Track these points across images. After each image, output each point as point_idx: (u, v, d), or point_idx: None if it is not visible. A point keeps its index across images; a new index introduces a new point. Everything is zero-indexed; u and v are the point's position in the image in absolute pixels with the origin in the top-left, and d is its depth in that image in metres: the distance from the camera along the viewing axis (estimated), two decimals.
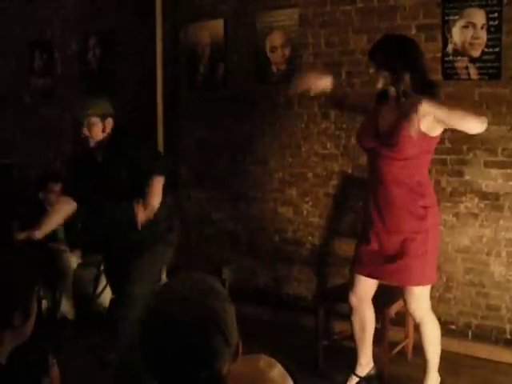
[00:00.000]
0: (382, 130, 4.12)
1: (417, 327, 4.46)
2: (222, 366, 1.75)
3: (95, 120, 4.73)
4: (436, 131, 4.02)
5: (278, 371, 1.96)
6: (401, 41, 4.20)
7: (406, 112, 3.94)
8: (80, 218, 5.28)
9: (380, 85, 4.12)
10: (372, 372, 4.62)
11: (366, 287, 4.39)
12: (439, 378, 4.48)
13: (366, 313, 4.48)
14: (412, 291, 4.24)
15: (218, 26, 6.36)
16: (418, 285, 4.22)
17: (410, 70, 3.99)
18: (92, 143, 4.79)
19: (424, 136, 3.97)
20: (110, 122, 4.80)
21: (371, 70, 4.18)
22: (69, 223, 6.02)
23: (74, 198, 5.00)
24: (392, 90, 4.09)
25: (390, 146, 4.03)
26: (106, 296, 6.07)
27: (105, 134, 4.80)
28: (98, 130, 4.76)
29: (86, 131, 4.74)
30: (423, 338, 4.39)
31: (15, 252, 2.51)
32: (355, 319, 4.50)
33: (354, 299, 4.43)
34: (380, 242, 4.23)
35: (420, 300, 4.27)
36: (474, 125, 3.87)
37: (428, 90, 4.01)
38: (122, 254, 4.92)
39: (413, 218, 4.11)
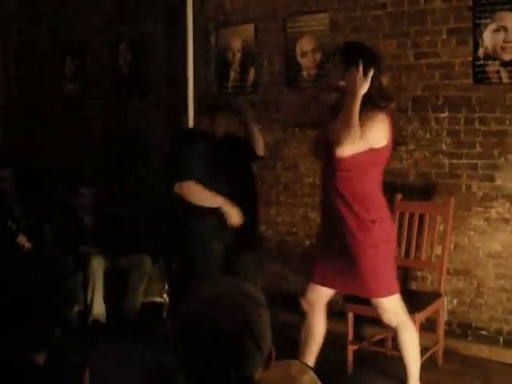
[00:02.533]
0: (331, 141, 4.01)
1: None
2: (253, 370, 1.75)
3: None
4: (381, 143, 3.96)
5: (309, 377, 1.96)
6: (360, 52, 4.07)
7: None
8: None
9: (340, 83, 4.03)
10: None
11: (318, 295, 4.35)
12: None
13: (316, 321, 4.42)
14: (378, 303, 4.17)
15: (248, 31, 6.38)
16: (377, 297, 4.14)
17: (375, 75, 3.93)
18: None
19: (368, 148, 3.91)
20: None
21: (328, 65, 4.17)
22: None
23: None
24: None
25: (331, 152, 3.94)
26: (136, 300, 6.09)
27: None
28: None
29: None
30: (400, 347, 4.32)
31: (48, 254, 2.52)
32: (303, 324, 4.45)
33: (305, 304, 4.39)
34: (332, 253, 4.17)
35: (389, 310, 4.18)
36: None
37: (382, 105, 4.01)
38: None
39: (359, 231, 4.01)
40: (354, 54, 3.98)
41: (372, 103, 3.95)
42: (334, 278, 4.23)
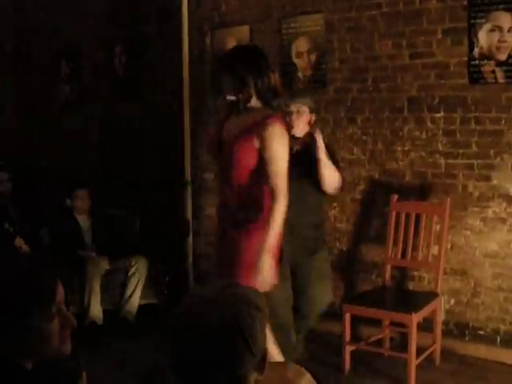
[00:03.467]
0: (224, 142, 4.02)
1: None
2: (244, 372, 1.74)
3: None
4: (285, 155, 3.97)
5: (306, 380, 1.95)
6: (248, 51, 4.14)
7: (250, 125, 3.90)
8: None
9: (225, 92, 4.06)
10: None
11: None
12: None
13: None
14: None
15: (243, 32, 6.37)
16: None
17: (254, 80, 3.92)
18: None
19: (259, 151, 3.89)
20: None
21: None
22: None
23: None
24: (233, 99, 3.99)
25: (226, 157, 3.96)
26: (134, 303, 6.09)
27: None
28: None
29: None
30: None
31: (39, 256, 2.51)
32: None
33: None
34: (223, 246, 4.15)
35: None
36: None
37: (272, 102, 3.99)
38: None
39: (249, 222, 3.96)
40: (229, 65, 4.01)
41: (262, 103, 3.97)
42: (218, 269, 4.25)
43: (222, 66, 4.07)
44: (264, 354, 1.79)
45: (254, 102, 3.95)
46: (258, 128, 3.83)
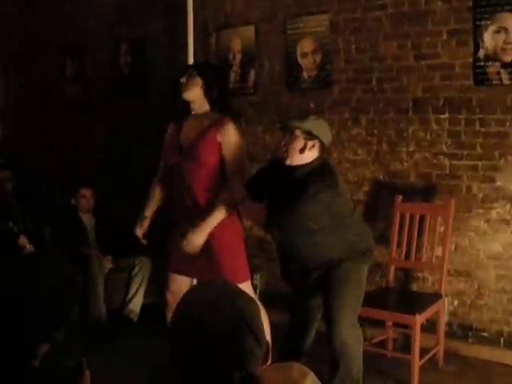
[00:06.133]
0: (183, 146, 4.32)
1: None
2: (254, 366, 1.76)
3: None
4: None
5: (311, 380, 1.95)
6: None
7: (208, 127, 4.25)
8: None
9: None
10: None
11: (179, 284, 4.49)
12: None
13: None
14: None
15: (249, 32, 6.38)
16: (238, 281, 4.10)
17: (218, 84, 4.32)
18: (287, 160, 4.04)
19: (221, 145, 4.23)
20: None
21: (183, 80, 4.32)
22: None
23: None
24: (197, 104, 4.31)
25: (191, 158, 4.23)
26: (137, 302, 6.08)
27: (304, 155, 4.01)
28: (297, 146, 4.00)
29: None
30: None
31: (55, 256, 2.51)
32: (169, 314, 4.51)
33: (169, 295, 4.54)
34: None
35: None
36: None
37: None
38: None
39: None
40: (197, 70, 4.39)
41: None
42: (189, 266, 4.41)
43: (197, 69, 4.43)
44: (267, 345, 1.80)
45: (205, 108, 4.31)
46: (217, 125, 4.21)
